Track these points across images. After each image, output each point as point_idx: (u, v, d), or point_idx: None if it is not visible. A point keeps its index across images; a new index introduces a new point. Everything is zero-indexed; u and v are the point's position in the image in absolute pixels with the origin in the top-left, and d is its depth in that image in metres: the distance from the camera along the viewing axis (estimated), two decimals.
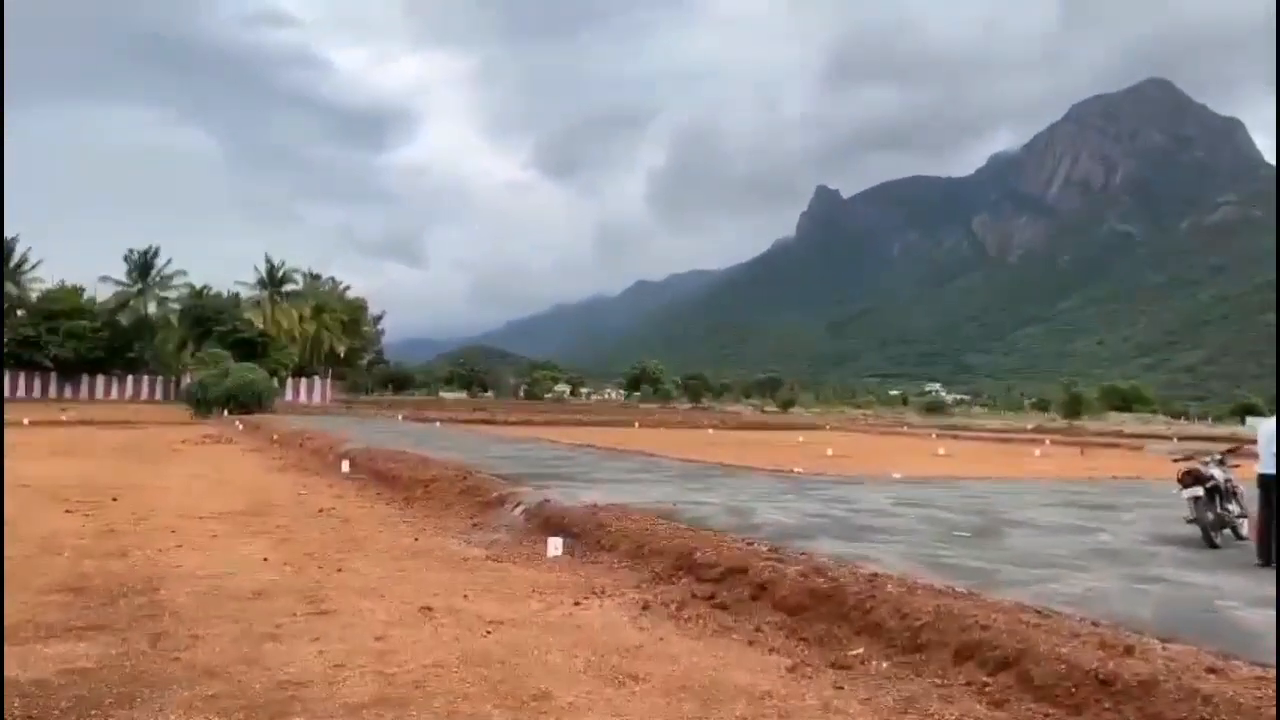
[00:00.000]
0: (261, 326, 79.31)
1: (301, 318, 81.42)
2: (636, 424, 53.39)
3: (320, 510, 13.19)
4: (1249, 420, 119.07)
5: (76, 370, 74.75)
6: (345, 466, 18.77)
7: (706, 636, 6.49)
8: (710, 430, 48.46)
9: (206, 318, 75.60)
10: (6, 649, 5.50)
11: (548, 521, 10.83)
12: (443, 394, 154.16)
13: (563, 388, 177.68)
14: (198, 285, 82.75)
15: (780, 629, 6.55)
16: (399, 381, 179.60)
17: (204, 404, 46.56)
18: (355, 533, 11.22)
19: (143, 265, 79.99)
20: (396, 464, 17.72)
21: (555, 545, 9.52)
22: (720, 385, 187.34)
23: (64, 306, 75.99)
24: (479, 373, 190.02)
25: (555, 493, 12.37)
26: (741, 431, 51.16)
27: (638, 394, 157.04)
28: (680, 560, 8.31)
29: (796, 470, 18.47)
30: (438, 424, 42.05)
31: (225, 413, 44.25)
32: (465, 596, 7.51)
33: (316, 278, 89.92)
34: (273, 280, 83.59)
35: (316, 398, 78.97)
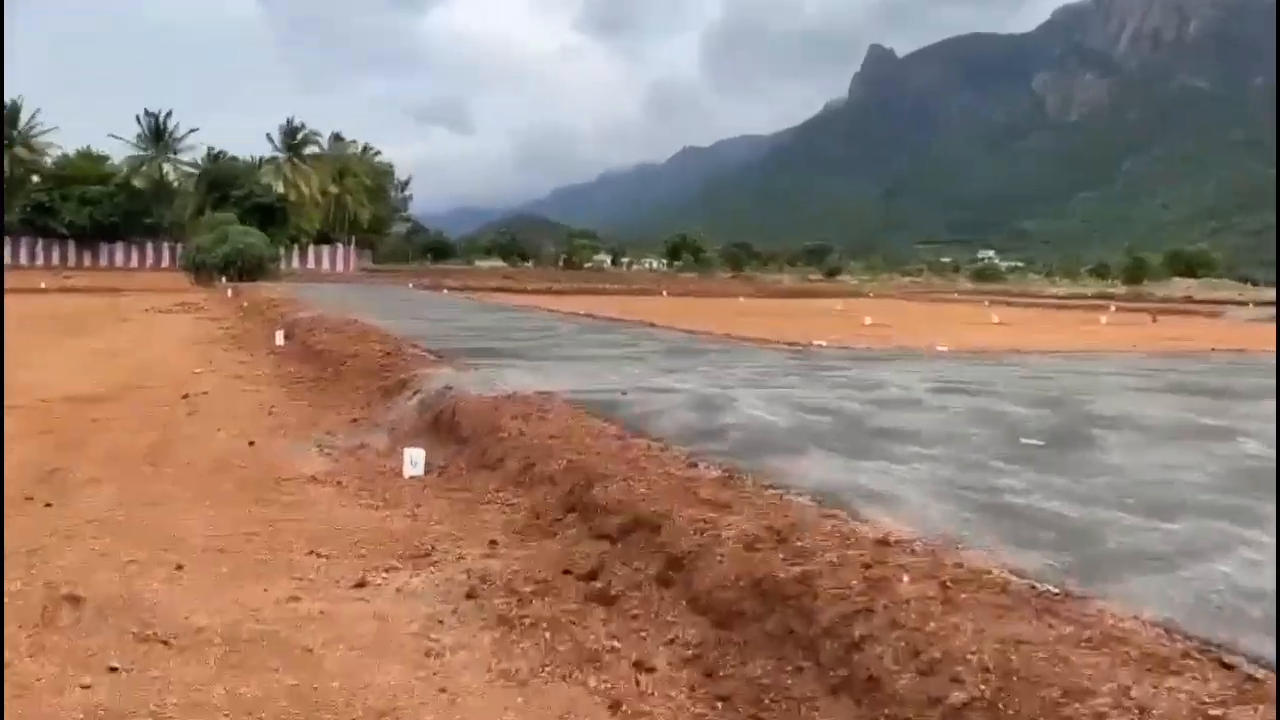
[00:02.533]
0: (281, 191, 76.31)
1: (322, 182, 78.12)
2: (664, 293, 50.06)
3: (186, 395, 10.24)
4: None
5: (94, 238, 72.62)
6: (279, 338, 15.80)
7: (546, 683, 3.34)
8: (742, 299, 45.01)
9: (223, 182, 72.57)
10: None
11: (438, 418, 7.71)
12: (479, 263, 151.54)
13: (602, 257, 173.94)
14: (228, 152, 79.57)
15: (693, 664, 3.38)
16: (438, 250, 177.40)
17: (203, 270, 43.98)
18: (187, 430, 8.24)
19: (155, 129, 76.75)
20: (332, 336, 14.72)
21: (414, 460, 6.41)
22: (766, 254, 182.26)
23: (78, 172, 73.47)
24: (519, 242, 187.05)
25: (475, 376, 9.21)
26: (778, 300, 47.67)
27: (679, 263, 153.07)
28: (574, 493, 5.16)
29: (818, 344, 15.13)
30: (445, 292, 39.10)
31: (223, 279, 41.66)
32: (180, 568, 4.42)
33: (340, 140, 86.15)
34: (291, 143, 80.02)
35: (340, 266, 76.45)
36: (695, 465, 5.47)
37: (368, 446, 7.51)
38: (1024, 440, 6.53)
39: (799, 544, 3.83)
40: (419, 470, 6.35)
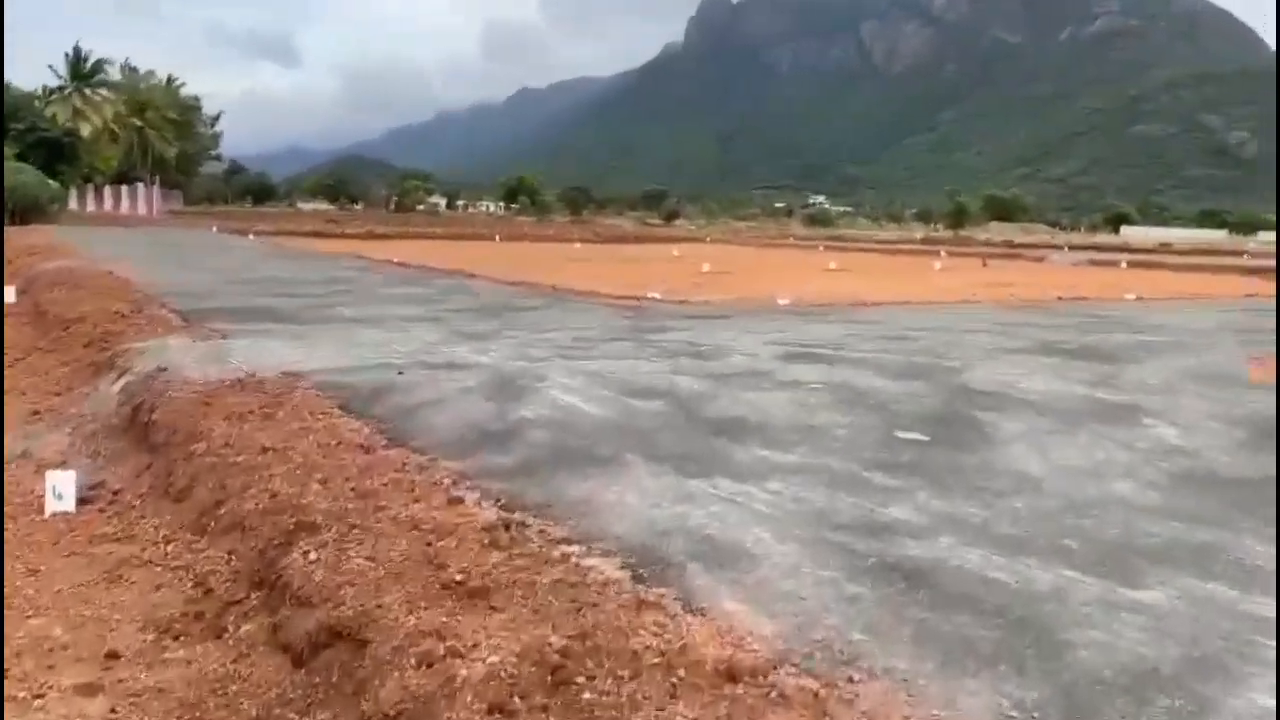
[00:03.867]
0: (70, 125, 68.96)
1: (118, 116, 71.07)
2: (498, 238, 47.61)
3: None
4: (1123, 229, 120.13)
5: None
6: (10, 295, 13.00)
7: None
8: (578, 245, 43.14)
9: None
10: None
11: (136, 413, 5.68)
12: (302, 206, 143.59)
13: (436, 200, 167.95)
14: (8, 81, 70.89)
15: None
16: (260, 192, 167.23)
17: None
18: None
19: None
20: (70, 293, 12.13)
21: (59, 490, 4.40)
22: (604, 198, 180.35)
23: None
24: (347, 184, 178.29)
25: (208, 350, 7.15)
26: (615, 245, 46.04)
27: (515, 207, 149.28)
28: (267, 556, 3.34)
29: (652, 296, 13.56)
30: (251, 236, 35.54)
31: None
32: None
33: (135, 71, 78.53)
34: (79, 72, 72.31)
35: (142, 207, 70.07)
36: (461, 500, 3.74)
37: (29, 456, 5.42)
38: (901, 435, 5.09)
39: (590, 689, 2.17)
40: (68, 504, 4.36)
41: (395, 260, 20.79)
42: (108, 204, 68.85)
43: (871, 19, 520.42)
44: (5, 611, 3.21)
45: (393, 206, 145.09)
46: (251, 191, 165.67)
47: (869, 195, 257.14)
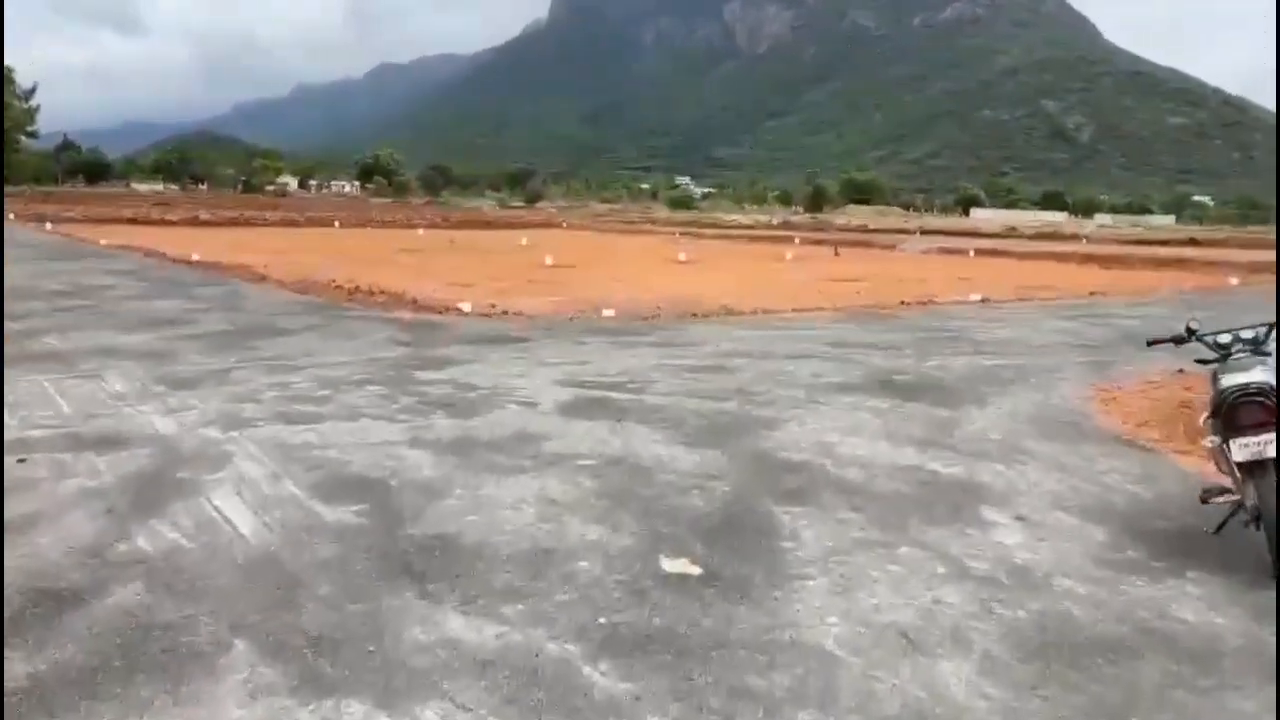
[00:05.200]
0: None
1: None
2: (337, 224, 44.85)
3: None
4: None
5: None
6: None
7: None
8: (420, 231, 40.91)
9: None
10: None
11: None
12: (139, 187, 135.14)
13: (286, 179, 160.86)
14: None
15: None
16: (92, 171, 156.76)
17: None
18: None
19: None
20: None
21: None
22: (467, 177, 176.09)
23: None
24: (190, 162, 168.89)
25: None
26: (463, 231, 43.94)
27: (371, 186, 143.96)
28: None
29: (460, 308, 11.91)
30: (48, 226, 32.11)
31: None
32: None
33: None
34: None
35: None
36: None
37: None
38: (667, 564, 3.69)
39: None
40: None
41: (190, 258, 18.48)
42: None
43: (734, 1, 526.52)
44: None
45: (240, 187, 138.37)
46: (83, 170, 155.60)
47: (733, 177, 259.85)
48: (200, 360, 7.75)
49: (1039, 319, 12.45)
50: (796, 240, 39.06)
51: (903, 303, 14.19)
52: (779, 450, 5.41)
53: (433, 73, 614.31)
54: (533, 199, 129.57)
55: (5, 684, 2.66)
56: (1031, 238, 47.92)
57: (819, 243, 37.86)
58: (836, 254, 30.23)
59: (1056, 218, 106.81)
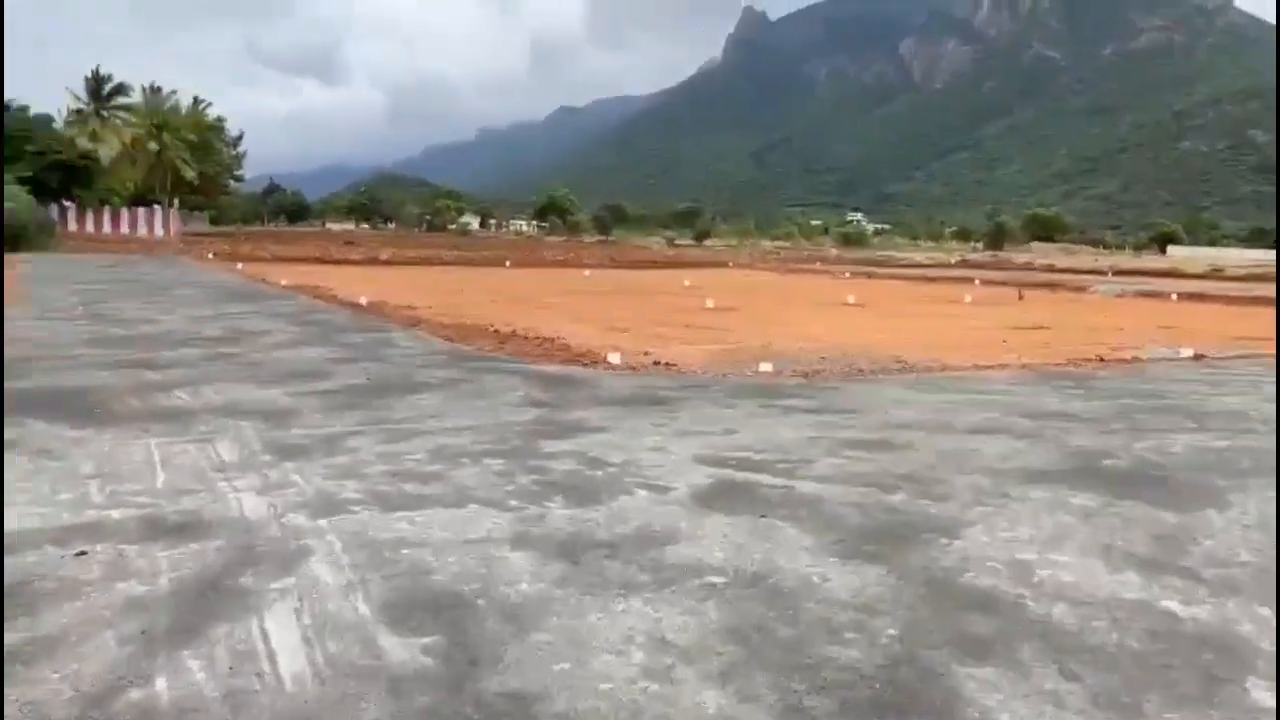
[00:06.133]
0: (90, 147, 68.27)
1: (135, 139, 70.13)
2: (508, 263, 45.62)
3: None
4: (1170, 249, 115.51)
5: None
6: None
7: None
8: (587, 272, 41.00)
9: (13, 137, 64.04)
10: None
11: None
12: (332, 226, 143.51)
13: (468, 219, 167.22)
14: (21, 103, 70.32)
15: None
16: (294, 212, 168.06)
17: None
18: None
19: None
20: None
21: None
22: (637, 216, 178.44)
23: None
24: (380, 203, 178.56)
25: None
26: (630, 271, 43.86)
27: (546, 226, 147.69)
28: None
29: (609, 359, 11.20)
30: (239, 266, 33.81)
31: None
32: None
33: (158, 92, 77.62)
34: (99, 94, 71.67)
35: (160, 229, 68.96)
36: None
37: None
38: None
39: None
40: None
41: (356, 300, 18.67)
42: (124, 227, 67.86)
43: (910, 36, 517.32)
44: None
45: (425, 226, 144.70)
46: (286, 211, 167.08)
47: (907, 213, 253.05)
48: (321, 422, 7.27)
49: (1270, 382, 10.66)
50: (976, 281, 36.88)
51: (1100, 358, 12.57)
52: (961, 571, 4.32)
53: (607, 115, 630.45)
54: (701, 237, 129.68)
55: None
56: (1241, 279, 43.75)
57: (1001, 284, 35.59)
58: (1020, 297, 28.13)
59: (1267, 255, 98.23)
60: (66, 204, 65.29)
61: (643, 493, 5.54)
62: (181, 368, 9.69)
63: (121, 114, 72.58)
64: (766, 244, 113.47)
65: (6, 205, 36.84)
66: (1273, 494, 5.77)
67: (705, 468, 6.13)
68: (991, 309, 23.26)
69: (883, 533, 4.85)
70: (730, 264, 54.34)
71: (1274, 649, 3.56)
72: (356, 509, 5.04)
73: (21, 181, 49.58)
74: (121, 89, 73.65)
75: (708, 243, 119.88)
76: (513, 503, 5.25)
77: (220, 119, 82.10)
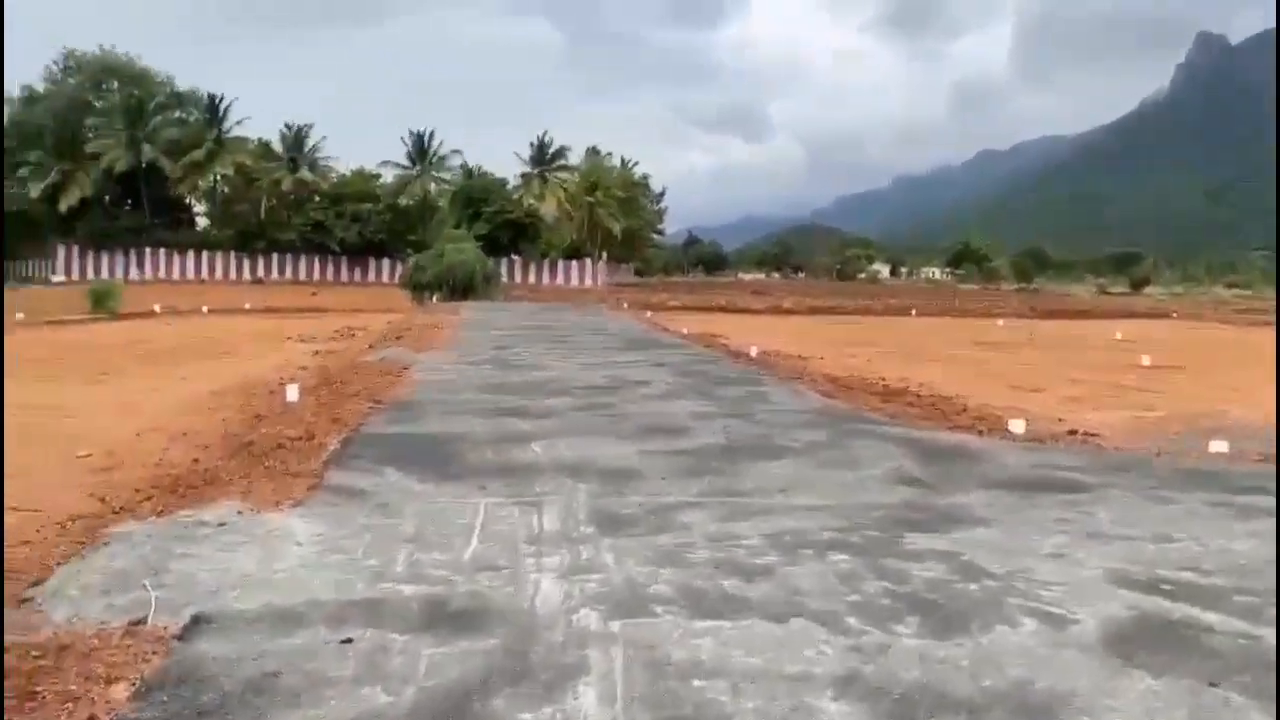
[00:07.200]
0: (534, 205, 76.40)
1: (572, 196, 77.20)
2: (914, 312, 43.64)
3: None
4: None
5: (363, 254, 75.46)
6: (293, 393, 12.31)
7: None
8: (1000, 322, 37.92)
9: (476, 199, 73.22)
10: None
11: None
12: (743, 275, 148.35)
13: (878, 267, 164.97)
14: (483, 168, 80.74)
15: None
16: (711, 263, 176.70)
17: (420, 288, 42.88)
18: None
19: (419, 147, 79.10)
20: (340, 388, 11.19)
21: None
22: (1063, 262, 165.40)
23: (352, 191, 76.84)
24: (793, 252, 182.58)
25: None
26: (1050, 321, 40.01)
27: (960, 272, 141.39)
28: None
29: (1012, 430, 9.55)
30: (648, 314, 35.32)
31: (433, 298, 40.29)
32: None
33: (596, 153, 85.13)
34: (542, 158, 79.95)
35: (589, 280, 75.17)
36: None
37: None
38: None
39: None
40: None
41: (746, 351, 18.28)
42: (559, 278, 74.76)
43: None
44: None
45: (834, 275, 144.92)
46: (704, 261, 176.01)
47: None
48: (659, 489, 6.58)
49: None
50: None
51: None
52: None
53: (1033, 157, 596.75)
54: (1139, 284, 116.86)
55: None
56: None
57: None
58: None
59: None
60: (514, 257, 73.34)
61: (1029, 623, 4.14)
62: (550, 418, 9.59)
63: (561, 175, 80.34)
64: (1222, 292, 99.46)
65: (459, 260, 41.66)
66: None
67: (1124, 592, 4.56)
68: None
69: None
70: (1174, 315, 47.83)
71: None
72: (659, 610, 4.19)
73: (477, 239, 56.14)
74: (561, 153, 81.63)
75: (1147, 290, 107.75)
76: (851, 620, 4.12)
77: (645, 176, 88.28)
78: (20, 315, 26.27)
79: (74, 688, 3.15)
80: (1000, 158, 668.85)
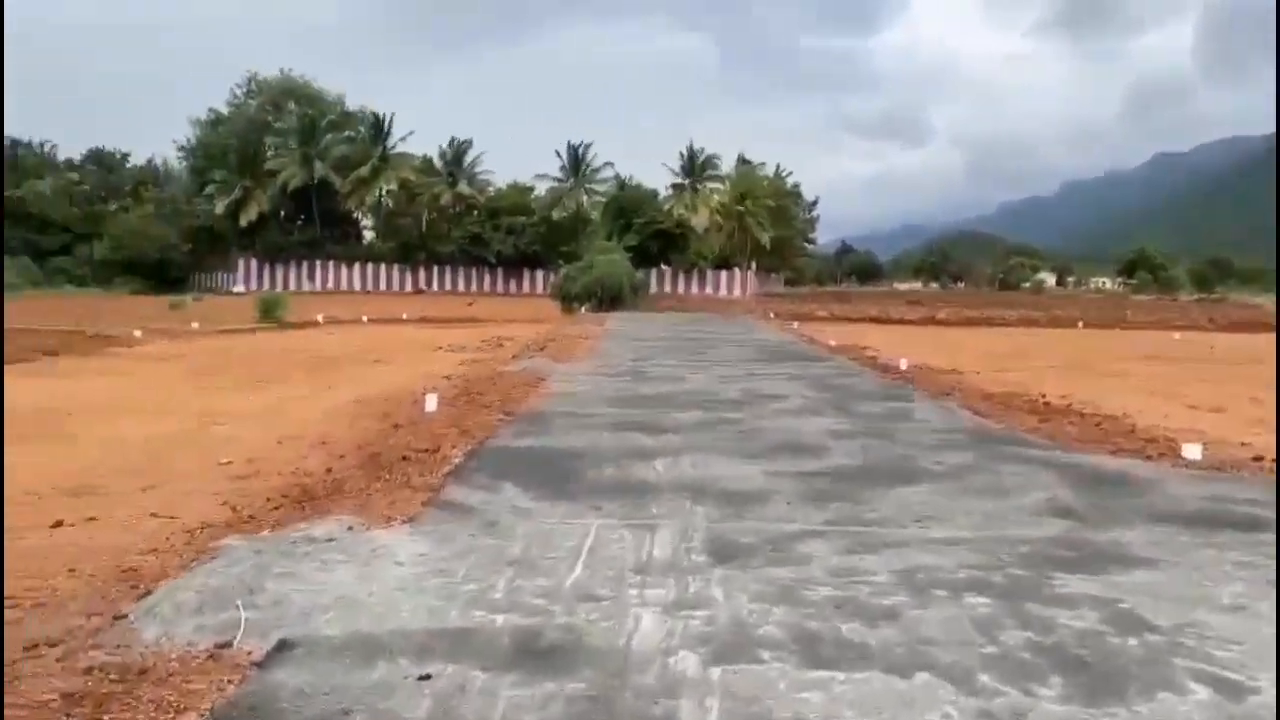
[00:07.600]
0: (684, 215, 76.53)
1: (722, 206, 76.87)
2: (1080, 324, 41.30)
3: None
4: None
5: (518, 265, 77.34)
6: (431, 403, 12.47)
7: None
8: (1177, 335, 35.33)
9: (628, 210, 73.87)
10: None
11: None
12: (898, 285, 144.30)
13: (1043, 276, 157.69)
14: (634, 179, 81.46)
15: None
16: (864, 272, 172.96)
17: (569, 299, 43.47)
18: None
19: (574, 160, 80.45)
20: (476, 399, 11.30)
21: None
22: (1250, 270, 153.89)
23: (508, 204, 78.88)
24: (951, 261, 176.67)
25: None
26: (1231, 335, 37.05)
27: (1134, 282, 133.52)
28: None
29: (1187, 455, 8.65)
30: (795, 324, 34.62)
31: (583, 309, 40.76)
32: None
33: (746, 163, 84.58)
34: (692, 169, 79.95)
35: (737, 290, 74.71)
36: None
37: None
38: None
39: None
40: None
41: (895, 364, 17.53)
42: (708, 288, 74.63)
43: None
44: None
45: (996, 285, 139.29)
46: (857, 271, 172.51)
47: None
48: (782, 515, 6.18)
49: None
50: None
51: None
52: None
53: (1215, 158, 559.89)
54: None
55: None
56: None
57: None
58: None
59: None
60: (663, 267, 73.64)
61: (1200, 691, 3.56)
62: (679, 433, 9.31)
63: (711, 184, 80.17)
64: None
65: (608, 270, 41.99)
66: None
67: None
68: None
69: None
70: None
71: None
72: (766, 656, 3.83)
73: (627, 249, 56.58)
74: (711, 162, 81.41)
75: None
76: (984, 678, 3.64)
77: (797, 185, 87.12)
78: (195, 324, 27.94)
79: (141, 718, 3.05)
80: (1178, 160, 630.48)
